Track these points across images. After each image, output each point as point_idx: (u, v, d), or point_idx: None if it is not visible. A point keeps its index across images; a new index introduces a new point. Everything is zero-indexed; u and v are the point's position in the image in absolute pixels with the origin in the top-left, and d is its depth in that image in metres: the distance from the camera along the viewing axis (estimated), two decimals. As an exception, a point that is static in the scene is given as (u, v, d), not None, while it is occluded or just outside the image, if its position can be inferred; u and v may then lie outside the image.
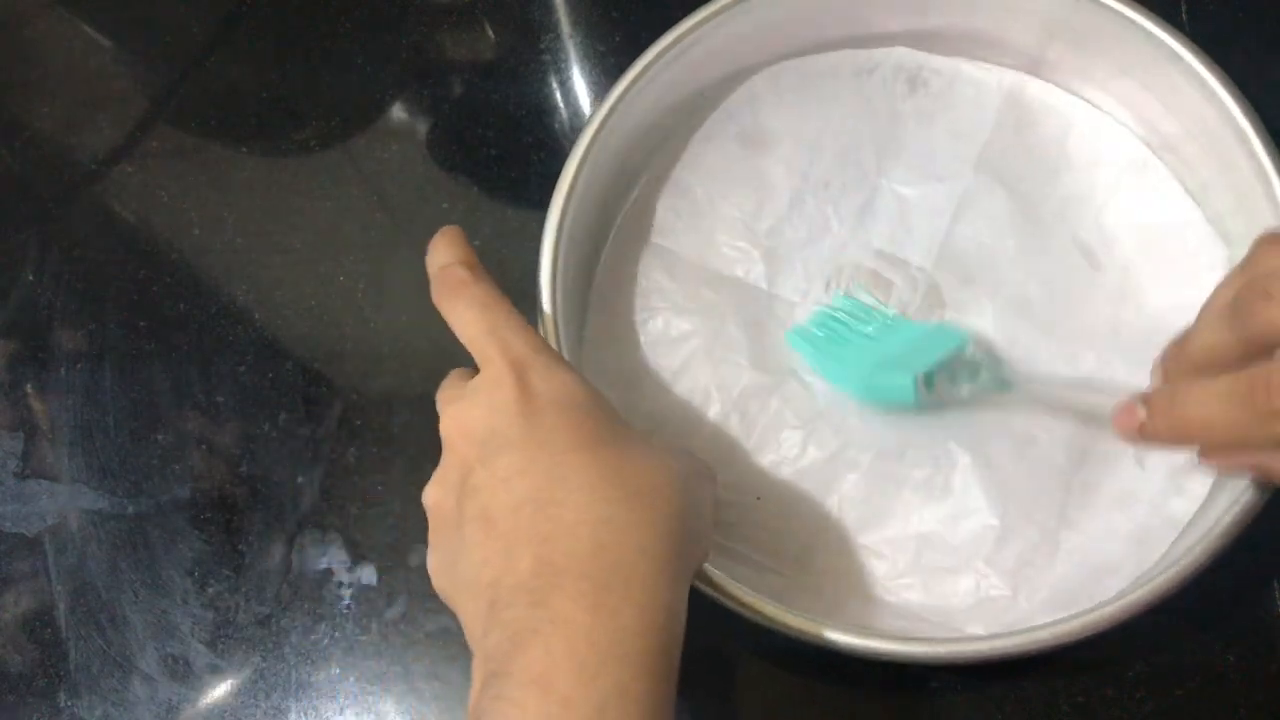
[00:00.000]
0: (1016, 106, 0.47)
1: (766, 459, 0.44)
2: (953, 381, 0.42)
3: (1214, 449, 0.35)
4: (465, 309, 0.35)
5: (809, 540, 0.42)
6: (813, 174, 0.47)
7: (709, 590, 0.37)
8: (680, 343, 0.45)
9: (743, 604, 0.37)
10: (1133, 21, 0.43)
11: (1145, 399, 0.35)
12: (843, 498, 0.43)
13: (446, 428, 0.34)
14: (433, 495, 0.34)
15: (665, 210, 0.47)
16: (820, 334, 0.45)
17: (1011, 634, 0.36)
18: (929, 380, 0.42)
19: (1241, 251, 0.36)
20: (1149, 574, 0.37)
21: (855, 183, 0.47)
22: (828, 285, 0.46)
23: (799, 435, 0.44)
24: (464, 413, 0.33)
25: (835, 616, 0.39)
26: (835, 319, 0.45)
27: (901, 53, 0.48)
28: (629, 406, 0.44)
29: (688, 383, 0.45)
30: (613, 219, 0.47)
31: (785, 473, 0.43)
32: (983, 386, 0.42)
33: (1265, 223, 0.40)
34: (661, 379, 0.45)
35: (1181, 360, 0.35)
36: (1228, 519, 0.36)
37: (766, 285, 0.46)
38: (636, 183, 0.48)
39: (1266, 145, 0.41)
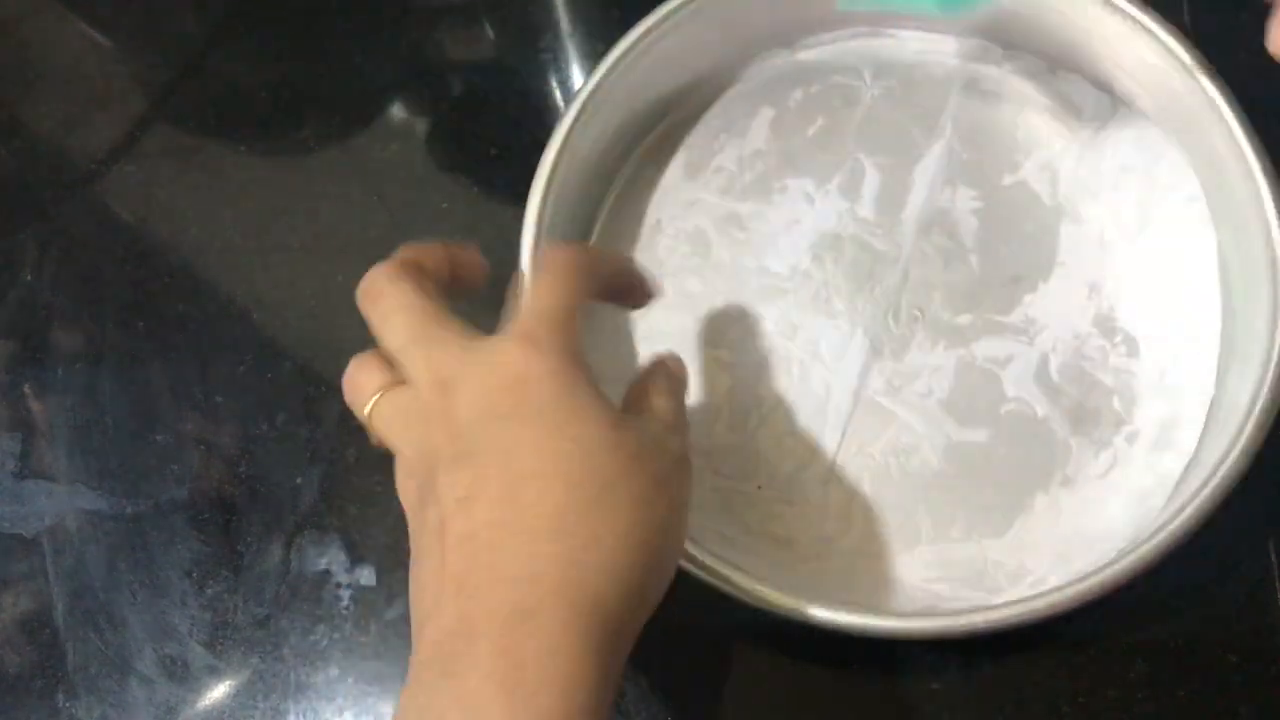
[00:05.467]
0: (974, 88, 0.49)
1: (765, 445, 0.44)
2: None
3: None
4: (388, 314, 0.34)
5: (812, 530, 0.43)
6: (793, 157, 0.48)
7: (697, 572, 0.38)
8: (670, 336, 0.46)
9: (726, 581, 0.38)
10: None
11: None
12: (847, 485, 0.43)
13: (390, 420, 0.33)
14: (400, 483, 0.33)
15: (649, 206, 0.48)
16: None
17: (1006, 604, 0.37)
18: None
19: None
20: (1143, 537, 0.38)
21: (834, 163, 0.48)
22: (814, 257, 0.46)
23: (801, 421, 0.44)
24: (407, 406, 0.32)
25: (841, 597, 0.39)
26: None
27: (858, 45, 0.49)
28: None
29: None
30: (596, 215, 0.48)
31: (787, 465, 0.44)
32: None
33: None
34: None
35: None
36: (1219, 476, 0.37)
37: (754, 264, 0.47)
38: (618, 177, 0.49)
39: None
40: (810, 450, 0.44)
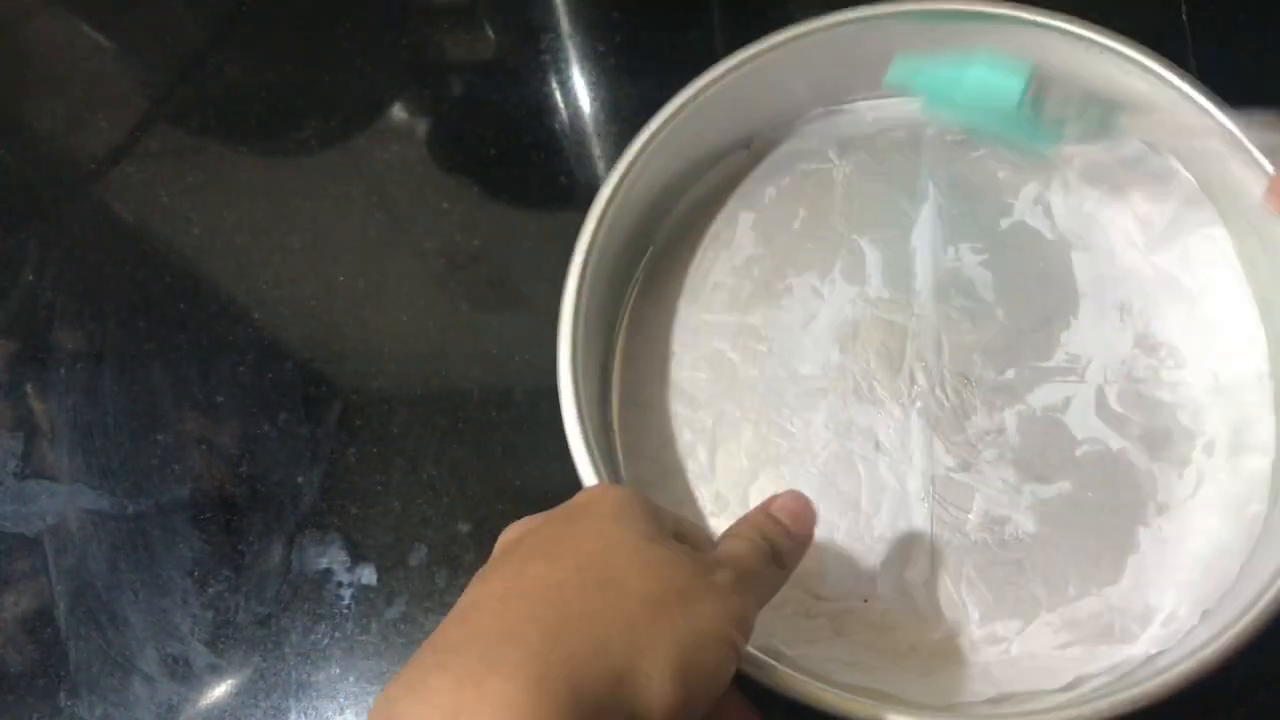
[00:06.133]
0: (940, 142, 0.48)
1: (857, 555, 0.42)
2: (1064, 105, 0.40)
3: None
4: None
5: (932, 630, 0.41)
6: (788, 255, 0.48)
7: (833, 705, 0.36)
8: (727, 475, 0.45)
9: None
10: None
11: None
12: (951, 573, 0.42)
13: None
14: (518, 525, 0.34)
15: (659, 343, 0.47)
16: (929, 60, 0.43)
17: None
18: (1040, 91, 0.40)
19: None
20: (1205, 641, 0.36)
21: (830, 249, 0.47)
22: (843, 349, 0.45)
23: (885, 520, 0.43)
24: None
25: (987, 692, 0.38)
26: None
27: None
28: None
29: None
30: (610, 366, 0.47)
31: (886, 570, 0.42)
32: (1089, 122, 0.41)
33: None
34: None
35: None
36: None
37: (784, 372, 0.45)
38: (619, 324, 0.47)
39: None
40: (904, 547, 0.42)
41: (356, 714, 0.44)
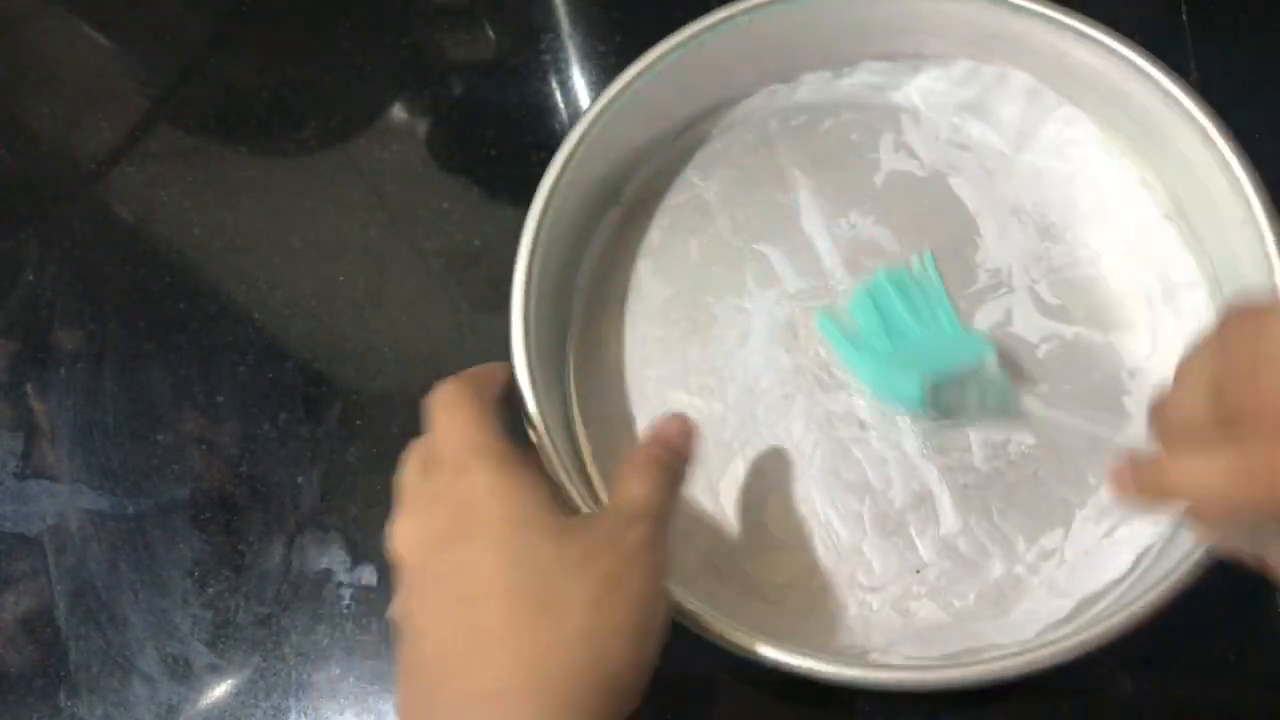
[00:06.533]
0: (788, 123, 0.49)
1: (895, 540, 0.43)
2: (961, 395, 0.43)
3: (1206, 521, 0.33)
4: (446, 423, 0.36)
5: (979, 581, 0.42)
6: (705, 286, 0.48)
7: (686, 623, 0.37)
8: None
9: (717, 636, 0.37)
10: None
11: (1134, 465, 0.32)
12: (831, 525, 0.43)
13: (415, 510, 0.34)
14: (406, 539, 0.34)
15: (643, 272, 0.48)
16: (853, 320, 0.45)
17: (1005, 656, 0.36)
18: (936, 391, 0.42)
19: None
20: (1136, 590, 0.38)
21: (734, 263, 0.47)
22: (788, 350, 0.46)
23: (900, 492, 0.44)
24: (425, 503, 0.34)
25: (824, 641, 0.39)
26: (875, 300, 0.45)
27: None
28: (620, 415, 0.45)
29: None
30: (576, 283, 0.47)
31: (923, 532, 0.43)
32: (988, 409, 0.43)
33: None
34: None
35: (1164, 423, 0.33)
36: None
37: (748, 394, 0.45)
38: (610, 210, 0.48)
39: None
40: (929, 507, 0.43)
41: (356, 714, 0.44)
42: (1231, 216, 0.41)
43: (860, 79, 0.49)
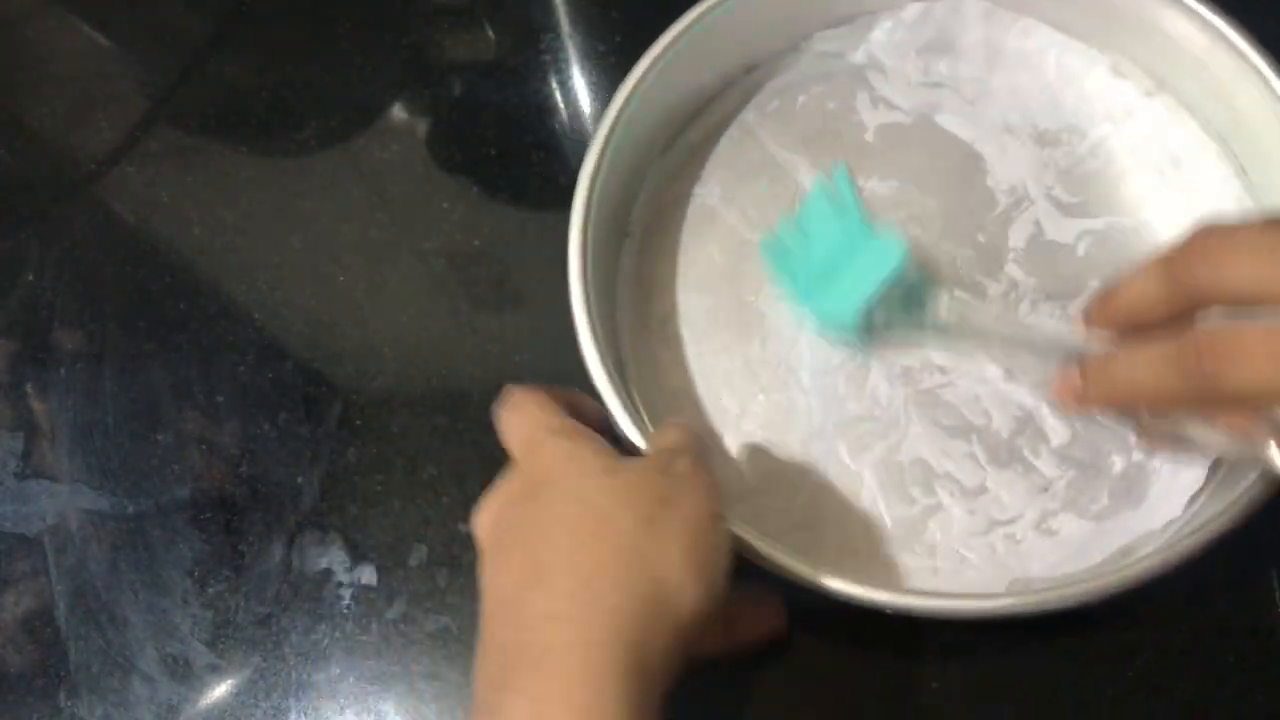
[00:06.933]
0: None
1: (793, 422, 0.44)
2: (888, 313, 0.43)
3: (1148, 415, 0.36)
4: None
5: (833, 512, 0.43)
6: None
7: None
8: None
9: (767, 559, 0.37)
10: None
11: (1080, 365, 0.36)
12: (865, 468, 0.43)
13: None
14: (487, 512, 0.36)
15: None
16: (788, 242, 0.45)
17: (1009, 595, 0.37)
18: (868, 314, 0.42)
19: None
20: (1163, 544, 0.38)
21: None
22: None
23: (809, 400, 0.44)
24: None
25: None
26: (805, 220, 0.45)
27: None
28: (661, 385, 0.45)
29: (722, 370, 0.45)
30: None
31: (805, 443, 0.44)
32: (912, 318, 0.43)
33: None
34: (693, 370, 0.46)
35: (1106, 312, 0.36)
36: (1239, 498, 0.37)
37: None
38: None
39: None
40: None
41: (356, 714, 0.44)
42: (1218, 73, 0.43)
43: (818, 50, 0.49)
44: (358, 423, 0.48)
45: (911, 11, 0.49)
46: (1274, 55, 0.42)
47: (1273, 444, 0.34)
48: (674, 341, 0.46)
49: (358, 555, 0.46)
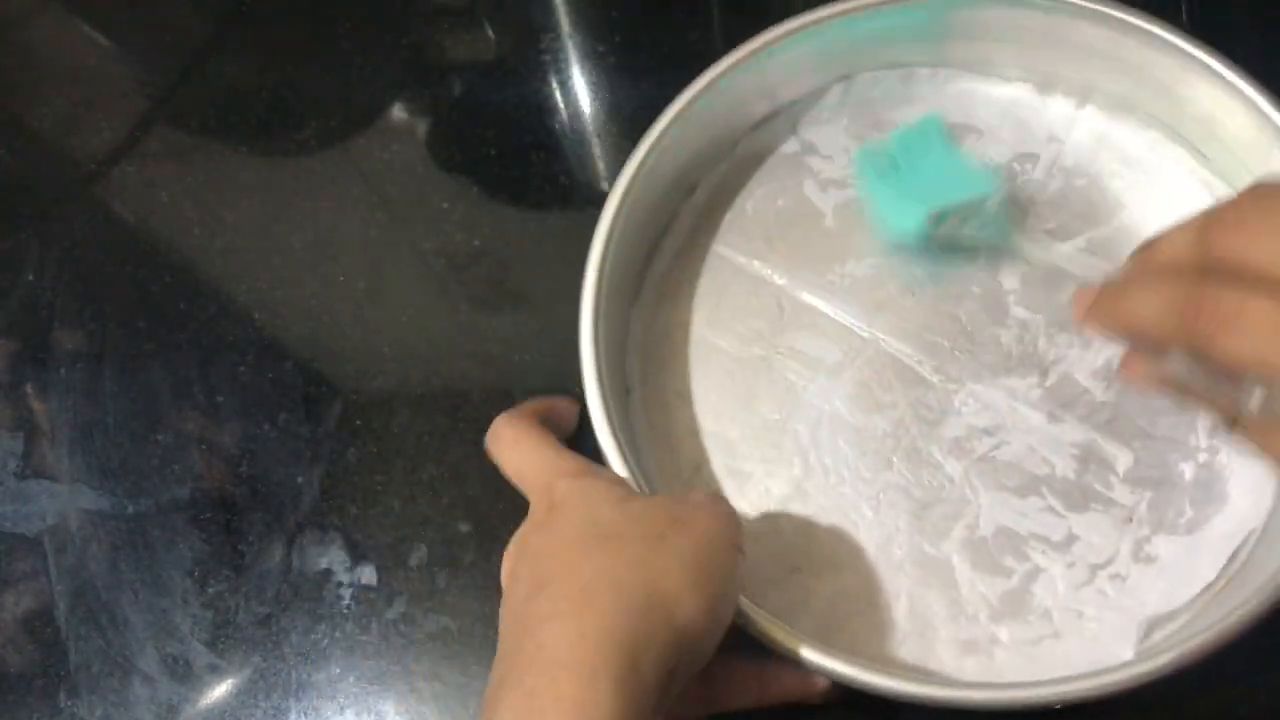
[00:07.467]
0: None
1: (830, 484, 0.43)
2: (959, 228, 0.44)
3: (1137, 348, 0.37)
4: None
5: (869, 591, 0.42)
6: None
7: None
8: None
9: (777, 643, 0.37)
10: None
11: (1102, 285, 0.36)
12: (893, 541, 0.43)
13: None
14: (510, 550, 0.37)
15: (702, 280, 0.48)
16: (885, 159, 0.46)
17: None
18: (938, 221, 0.43)
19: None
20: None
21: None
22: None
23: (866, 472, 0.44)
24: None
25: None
26: (904, 145, 0.46)
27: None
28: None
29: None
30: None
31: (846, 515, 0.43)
32: (981, 241, 0.44)
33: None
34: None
35: (1146, 259, 0.36)
36: None
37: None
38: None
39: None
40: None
41: (356, 714, 0.44)
42: (1153, 71, 0.44)
43: (749, 152, 0.49)
44: (358, 423, 0.48)
45: (832, 94, 0.49)
46: (1200, 40, 0.43)
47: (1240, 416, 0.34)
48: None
49: (358, 555, 0.46)
